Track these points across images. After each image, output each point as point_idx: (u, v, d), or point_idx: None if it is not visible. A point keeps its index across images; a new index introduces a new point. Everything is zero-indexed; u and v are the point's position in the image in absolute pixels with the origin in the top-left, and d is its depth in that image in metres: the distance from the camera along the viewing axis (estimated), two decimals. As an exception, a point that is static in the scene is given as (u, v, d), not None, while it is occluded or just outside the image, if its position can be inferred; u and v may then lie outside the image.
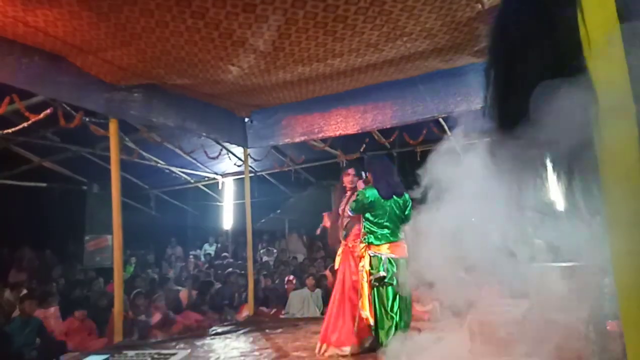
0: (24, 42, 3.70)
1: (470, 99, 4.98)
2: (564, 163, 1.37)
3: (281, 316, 6.38)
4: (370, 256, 3.63)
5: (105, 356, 1.20)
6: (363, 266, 3.65)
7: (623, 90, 1.12)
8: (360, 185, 3.89)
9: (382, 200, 3.68)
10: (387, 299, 3.58)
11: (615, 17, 1.15)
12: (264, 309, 6.63)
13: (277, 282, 7.67)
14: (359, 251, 3.75)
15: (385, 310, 3.56)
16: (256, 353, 4.18)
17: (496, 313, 3.37)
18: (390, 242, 3.66)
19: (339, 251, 4.00)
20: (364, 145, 7.15)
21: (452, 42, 4.18)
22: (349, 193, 4.00)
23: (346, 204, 3.93)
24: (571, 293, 3.01)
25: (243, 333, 5.08)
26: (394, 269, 3.61)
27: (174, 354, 1.22)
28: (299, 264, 9.27)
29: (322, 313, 6.59)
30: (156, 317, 5.50)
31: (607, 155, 1.15)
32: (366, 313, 3.57)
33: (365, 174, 3.97)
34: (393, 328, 3.53)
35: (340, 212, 4.02)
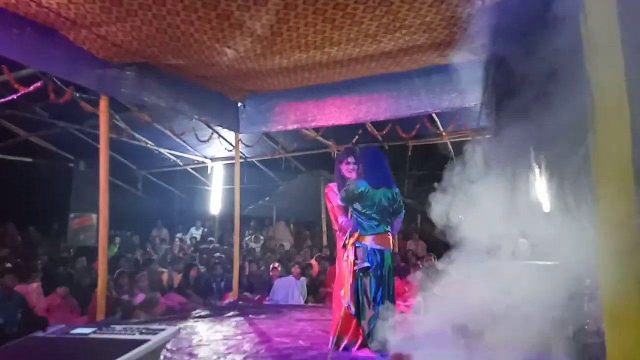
0: (15, 12, 3.60)
1: (466, 97, 5.00)
2: (557, 162, 1.38)
3: (265, 303, 6.40)
4: (355, 247, 3.65)
5: (93, 329, 1.20)
6: (348, 256, 3.66)
7: (620, 92, 1.13)
8: (353, 175, 3.85)
9: (372, 192, 3.69)
10: (370, 290, 3.61)
11: (617, 20, 1.15)
12: (248, 295, 6.65)
13: (262, 269, 7.69)
14: (346, 241, 3.74)
15: (368, 301, 3.59)
16: (239, 337, 4.20)
17: (479, 308, 3.42)
18: (376, 233, 3.68)
19: (349, 242, 3.73)
20: (357, 137, 7.16)
21: (450, 38, 4.17)
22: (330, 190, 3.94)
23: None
24: (552, 292, 3.07)
25: (227, 317, 5.09)
26: (379, 261, 3.63)
27: (163, 329, 1.22)
28: (286, 252, 9.30)
29: (306, 302, 6.64)
30: (140, 298, 5.48)
31: (600, 156, 1.16)
32: (348, 302, 3.58)
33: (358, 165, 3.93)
34: (375, 319, 3.56)
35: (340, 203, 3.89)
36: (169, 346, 3.42)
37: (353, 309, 3.58)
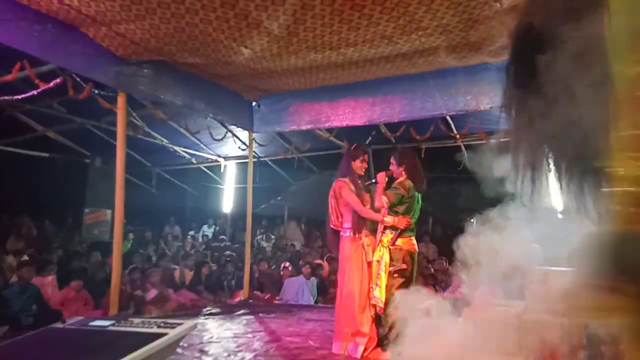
0: (37, 9, 3.67)
1: (480, 99, 4.96)
2: (578, 165, 1.37)
3: (275, 302, 6.42)
4: (390, 249, 3.60)
5: (112, 321, 1.22)
6: (382, 257, 3.59)
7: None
8: (362, 172, 3.78)
9: (416, 195, 3.70)
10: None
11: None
12: (258, 293, 6.67)
13: (273, 267, 7.71)
14: (386, 242, 3.63)
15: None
16: (249, 335, 4.22)
17: (491, 312, 3.40)
18: (411, 236, 3.69)
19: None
20: (370, 138, 7.15)
21: (467, 40, 4.15)
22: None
23: (382, 194, 3.66)
24: (564, 298, 3.03)
25: (237, 315, 5.12)
26: (411, 263, 3.64)
27: (180, 323, 1.24)
28: (296, 251, 9.31)
29: (316, 302, 6.65)
30: (152, 293, 5.53)
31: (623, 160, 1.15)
32: (382, 301, 3.54)
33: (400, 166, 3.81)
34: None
35: (382, 202, 3.70)
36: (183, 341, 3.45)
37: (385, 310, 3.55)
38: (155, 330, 1.18)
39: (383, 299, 3.52)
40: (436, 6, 3.52)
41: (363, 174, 3.80)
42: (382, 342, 3.56)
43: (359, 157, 3.79)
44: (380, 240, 3.64)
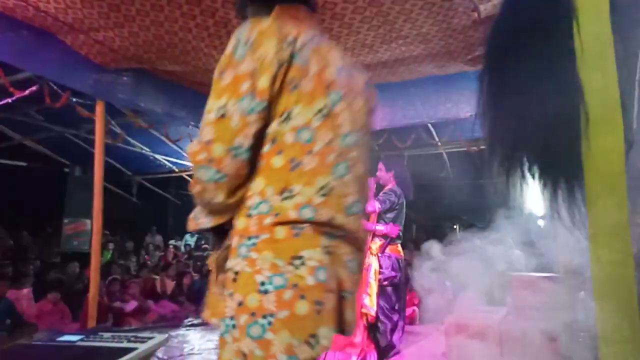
0: (12, 16, 3.60)
1: (461, 107, 5.03)
2: (551, 172, 1.38)
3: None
4: (378, 256, 3.59)
5: (81, 336, 1.17)
6: (370, 265, 3.57)
7: (613, 102, 1.14)
8: (390, 183, 3.76)
9: (403, 201, 3.70)
10: (392, 300, 3.59)
11: (610, 30, 1.17)
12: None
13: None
14: (375, 250, 3.61)
15: (390, 310, 3.56)
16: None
17: (473, 319, 3.41)
18: (398, 243, 3.69)
19: (374, 250, 3.67)
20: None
21: (446, 49, 4.20)
22: (371, 190, 3.75)
23: (372, 199, 3.64)
24: (547, 303, 3.07)
25: (219, 326, 5.04)
26: (400, 270, 3.64)
27: (151, 337, 1.20)
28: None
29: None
30: (131, 305, 5.43)
31: (593, 167, 1.17)
32: (374, 310, 3.51)
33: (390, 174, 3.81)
34: (397, 329, 3.54)
35: (375, 207, 3.67)
36: (159, 354, 3.39)
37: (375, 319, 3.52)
38: (125, 345, 1.15)
39: (375, 308, 3.50)
40: (415, 15, 3.56)
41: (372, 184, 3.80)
42: (389, 351, 3.51)
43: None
44: (369, 248, 3.62)
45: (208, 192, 1.18)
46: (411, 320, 5.49)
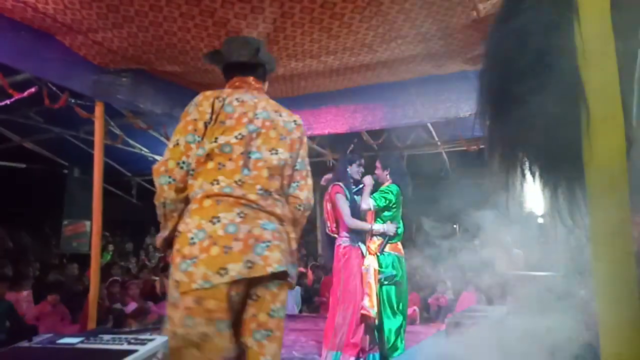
0: (11, 17, 3.59)
1: (460, 106, 5.02)
2: (551, 171, 1.38)
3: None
4: (378, 254, 3.55)
5: (81, 338, 1.17)
6: (369, 264, 3.54)
7: (614, 101, 1.14)
8: (358, 177, 3.74)
9: (400, 199, 3.68)
10: (394, 299, 3.55)
11: (611, 29, 1.16)
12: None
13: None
14: (373, 249, 3.59)
15: (393, 310, 3.53)
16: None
17: (473, 318, 3.41)
18: (398, 241, 3.66)
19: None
20: (352, 146, 7.17)
21: (445, 48, 4.20)
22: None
23: (368, 196, 3.61)
24: (547, 302, 3.06)
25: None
26: (401, 269, 3.60)
27: (151, 339, 1.20)
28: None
29: (300, 311, 6.58)
30: (131, 306, 5.42)
31: (594, 165, 1.17)
32: (375, 311, 3.47)
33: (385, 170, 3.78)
34: (400, 329, 3.52)
35: (370, 205, 3.64)
36: (158, 356, 3.37)
37: (376, 320, 3.48)
38: (125, 347, 1.14)
39: (375, 309, 3.45)
40: (415, 15, 3.56)
41: (360, 178, 3.75)
42: (392, 352, 3.48)
43: (355, 162, 3.76)
44: (368, 248, 3.59)
45: (165, 191, 1.81)
46: (412, 320, 5.50)
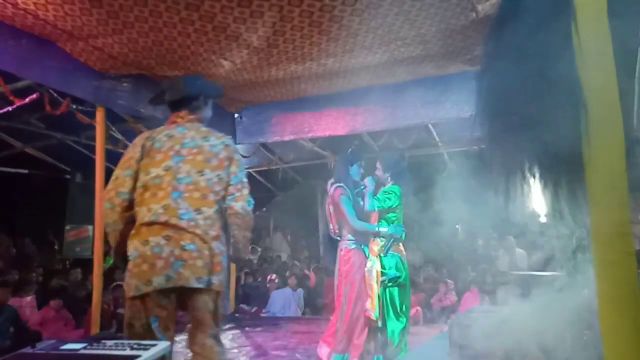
0: (12, 24, 3.61)
1: (461, 107, 5.02)
2: (551, 172, 1.38)
3: (262, 315, 6.35)
4: (381, 256, 3.52)
5: (84, 344, 1.18)
6: (372, 266, 3.51)
7: (613, 101, 1.14)
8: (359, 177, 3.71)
9: (402, 200, 3.63)
10: (397, 300, 3.53)
11: (608, 29, 1.16)
12: (244, 306, 6.59)
13: (259, 280, 7.63)
14: (377, 251, 3.56)
15: (396, 312, 3.51)
16: (235, 351, 4.16)
17: (476, 319, 3.40)
18: (401, 242, 3.63)
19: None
20: (353, 147, 7.16)
21: (445, 49, 4.21)
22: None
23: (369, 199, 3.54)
24: (551, 302, 3.05)
25: (223, 330, 5.04)
26: (403, 270, 3.57)
27: (154, 345, 1.20)
28: (282, 263, 9.24)
29: (303, 313, 6.58)
30: (135, 311, 5.41)
31: (594, 165, 1.16)
32: (376, 314, 3.44)
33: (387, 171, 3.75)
34: (404, 330, 3.50)
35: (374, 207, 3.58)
36: (163, 360, 3.37)
37: (380, 323, 3.45)
38: (128, 352, 1.15)
39: (377, 311, 3.42)
40: (414, 17, 3.57)
41: (360, 180, 3.67)
42: (397, 354, 3.46)
43: (356, 162, 3.68)
44: (371, 249, 3.56)
45: (107, 215, 2.22)
46: (415, 321, 5.48)
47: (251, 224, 2.37)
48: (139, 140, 2.33)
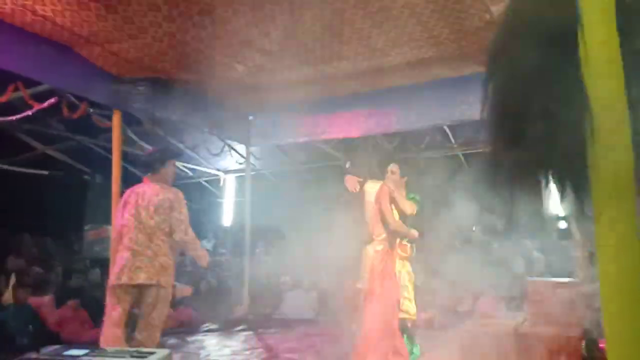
0: (31, 31, 3.70)
1: (477, 108, 4.93)
2: (559, 179, 1.35)
3: (275, 316, 6.37)
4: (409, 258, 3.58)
5: (86, 351, 1.20)
6: (402, 269, 3.52)
7: (620, 111, 1.11)
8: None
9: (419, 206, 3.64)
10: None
11: (616, 36, 1.13)
12: (258, 307, 6.62)
13: (273, 281, 7.65)
14: (405, 254, 3.58)
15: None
16: (247, 352, 4.18)
17: (490, 325, 3.35)
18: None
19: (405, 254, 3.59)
20: (367, 149, 7.13)
21: (459, 51, 4.16)
22: (391, 193, 3.44)
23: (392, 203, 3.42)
24: (566, 308, 2.99)
25: (236, 331, 5.08)
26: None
27: (152, 353, 1.22)
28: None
29: (316, 316, 6.56)
30: (150, 311, 5.48)
31: (600, 176, 1.14)
32: (415, 314, 3.49)
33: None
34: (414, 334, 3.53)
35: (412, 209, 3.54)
36: (175, 360, 3.42)
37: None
38: (128, 360, 1.16)
39: (415, 312, 3.46)
40: (426, 18, 3.54)
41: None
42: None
43: (393, 164, 3.55)
44: (397, 252, 3.53)
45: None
46: (429, 324, 5.42)
47: (193, 246, 3.53)
48: (125, 198, 3.51)
